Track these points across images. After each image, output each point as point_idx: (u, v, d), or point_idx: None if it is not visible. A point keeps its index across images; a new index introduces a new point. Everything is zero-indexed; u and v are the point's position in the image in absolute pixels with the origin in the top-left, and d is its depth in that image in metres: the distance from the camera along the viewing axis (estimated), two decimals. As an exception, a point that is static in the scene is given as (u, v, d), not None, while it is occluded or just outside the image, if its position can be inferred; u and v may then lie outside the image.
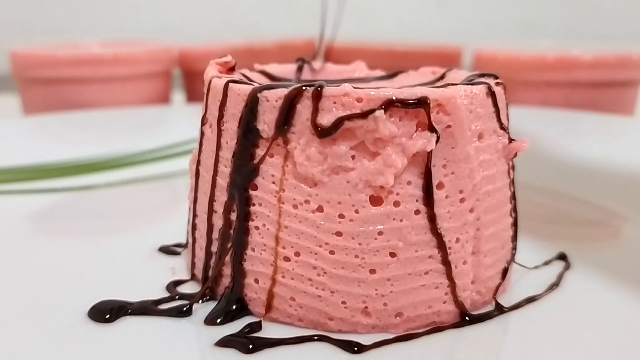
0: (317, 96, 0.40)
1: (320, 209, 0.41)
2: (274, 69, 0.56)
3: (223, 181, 0.45)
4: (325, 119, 0.40)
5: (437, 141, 0.40)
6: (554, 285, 0.49)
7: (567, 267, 0.52)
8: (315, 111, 0.40)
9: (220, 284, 0.46)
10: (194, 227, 0.50)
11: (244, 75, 0.51)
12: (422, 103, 0.40)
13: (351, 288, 0.42)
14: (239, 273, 0.44)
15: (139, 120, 1.02)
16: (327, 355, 0.40)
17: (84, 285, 0.49)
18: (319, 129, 0.40)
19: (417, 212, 0.41)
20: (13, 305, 0.45)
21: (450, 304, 0.43)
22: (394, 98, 0.39)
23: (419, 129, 0.40)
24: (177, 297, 0.46)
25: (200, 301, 0.45)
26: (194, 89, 1.22)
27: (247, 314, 0.44)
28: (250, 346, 0.40)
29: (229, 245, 0.44)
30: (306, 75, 0.58)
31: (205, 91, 0.48)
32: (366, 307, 0.42)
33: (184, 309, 0.44)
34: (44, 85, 1.08)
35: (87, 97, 1.08)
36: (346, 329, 0.42)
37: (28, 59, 1.07)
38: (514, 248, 0.49)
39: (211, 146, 0.46)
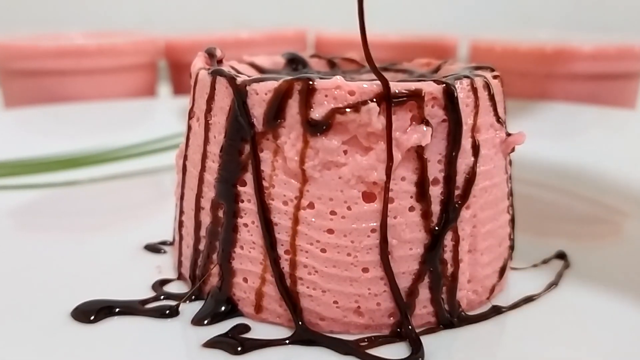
0: (308, 89, 0.39)
1: (311, 205, 0.40)
2: (263, 60, 0.55)
3: (211, 177, 0.44)
4: (317, 113, 0.39)
5: (432, 135, 0.39)
6: (553, 285, 0.48)
7: (566, 266, 0.52)
8: (306, 104, 0.39)
9: (207, 282, 0.45)
10: (180, 224, 0.49)
11: (233, 68, 0.50)
12: (416, 96, 0.39)
13: (343, 287, 0.41)
14: (227, 272, 0.43)
15: (124, 114, 1.01)
16: (318, 356, 0.39)
17: (67, 284, 0.48)
18: (310, 122, 0.39)
19: (411, 208, 0.40)
20: (-8, 307, 0.44)
21: (446, 304, 0.42)
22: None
23: (414, 123, 0.39)
24: (163, 296, 0.46)
25: (188, 301, 0.45)
26: (181, 81, 1.21)
27: (235, 314, 0.43)
28: (239, 348, 0.39)
29: (217, 243, 0.43)
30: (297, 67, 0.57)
31: (193, 84, 0.47)
32: (359, 307, 0.41)
33: (171, 309, 0.43)
34: (25, 78, 1.06)
35: (71, 89, 1.07)
36: (338, 329, 0.41)
37: (9, 51, 1.06)
38: (512, 246, 0.48)
39: (198, 140, 0.45)
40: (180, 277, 0.49)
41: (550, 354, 0.39)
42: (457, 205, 0.41)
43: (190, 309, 0.43)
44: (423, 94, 0.39)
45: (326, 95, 0.39)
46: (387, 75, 0.52)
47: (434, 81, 0.40)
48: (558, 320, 0.43)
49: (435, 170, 0.41)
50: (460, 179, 0.41)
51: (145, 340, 0.40)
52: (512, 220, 0.48)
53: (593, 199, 0.69)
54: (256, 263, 0.42)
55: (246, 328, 0.42)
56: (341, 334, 0.41)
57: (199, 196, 0.45)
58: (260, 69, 0.53)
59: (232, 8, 1.56)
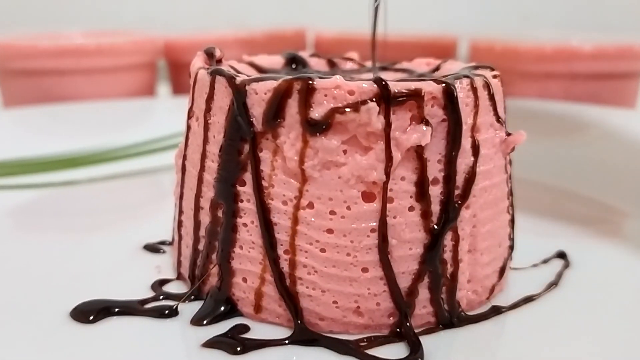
0: (308, 89, 0.39)
1: (310, 205, 0.40)
2: (262, 60, 0.55)
3: (210, 176, 0.43)
4: (316, 112, 0.39)
5: (431, 135, 0.39)
6: (553, 285, 0.48)
7: (567, 265, 0.52)
8: (306, 104, 0.39)
9: (207, 282, 0.45)
10: (179, 224, 0.49)
11: (232, 67, 0.50)
12: (416, 96, 0.39)
13: (343, 287, 0.41)
14: (226, 272, 0.43)
15: (123, 113, 1.00)
16: (318, 356, 0.39)
17: (66, 284, 0.47)
18: (310, 122, 0.39)
19: (411, 208, 0.40)
20: (-10, 307, 0.44)
21: (446, 304, 0.42)
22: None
23: (413, 122, 0.39)
24: (162, 296, 0.45)
25: (187, 301, 0.44)
26: (180, 81, 1.20)
27: (235, 314, 0.43)
28: (239, 348, 0.39)
29: (216, 243, 0.43)
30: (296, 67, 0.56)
31: (192, 83, 0.47)
32: (358, 307, 0.41)
33: (170, 309, 0.43)
34: (24, 77, 1.06)
35: (70, 89, 1.06)
36: (338, 329, 0.41)
37: (8, 50, 1.05)
38: (512, 246, 0.48)
39: (198, 140, 0.45)
40: (179, 277, 0.49)
41: (550, 354, 0.39)
42: (457, 205, 0.41)
43: (189, 309, 0.43)
44: (423, 94, 0.39)
45: (326, 95, 0.39)
46: (387, 74, 0.52)
47: (434, 81, 0.40)
48: (558, 320, 0.43)
49: (435, 170, 0.40)
50: (460, 179, 0.41)
51: (144, 340, 0.40)
52: (512, 220, 0.48)
53: (593, 198, 0.69)
54: (255, 263, 0.42)
55: (245, 328, 0.41)
56: (341, 334, 0.41)
57: (198, 196, 0.45)
58: (259, 69, 0.53)
59: (232, 8, 1.56)
